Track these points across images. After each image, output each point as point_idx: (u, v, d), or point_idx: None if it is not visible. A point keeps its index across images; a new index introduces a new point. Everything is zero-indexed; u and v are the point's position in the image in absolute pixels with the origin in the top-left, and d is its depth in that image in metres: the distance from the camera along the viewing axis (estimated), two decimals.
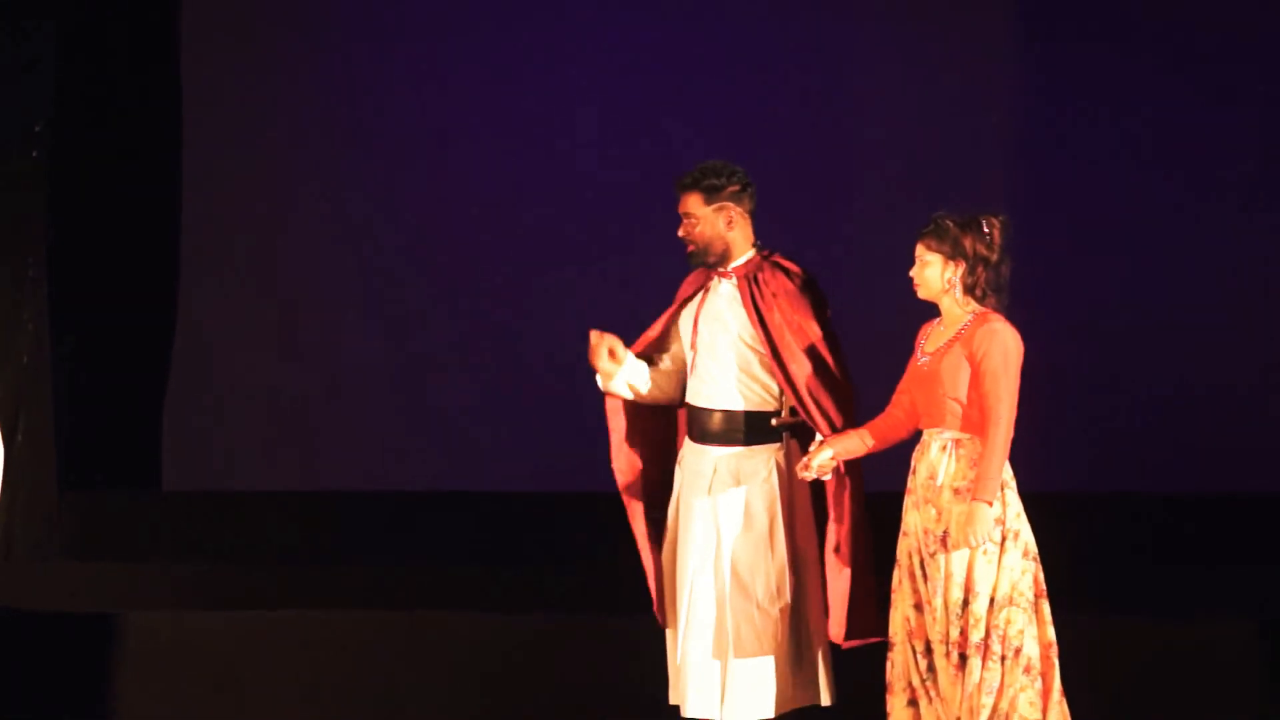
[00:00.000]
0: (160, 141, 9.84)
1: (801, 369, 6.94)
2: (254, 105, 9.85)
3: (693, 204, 7.02)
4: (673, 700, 7.08)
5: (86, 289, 9.63)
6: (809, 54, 9.55)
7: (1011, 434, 6.58)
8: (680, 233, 7.06)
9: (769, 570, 6.94)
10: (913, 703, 6.73)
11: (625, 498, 7.16)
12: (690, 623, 6.98)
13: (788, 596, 6.94)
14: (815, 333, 6.99)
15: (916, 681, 6.70)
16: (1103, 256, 9.41)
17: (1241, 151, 9.35)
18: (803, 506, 7.00)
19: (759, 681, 6.95)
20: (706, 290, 7.09)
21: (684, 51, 9.64)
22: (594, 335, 7.00)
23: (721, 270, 7.05)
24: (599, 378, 7.04)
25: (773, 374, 6.96)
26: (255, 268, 9.86)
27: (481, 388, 9.70)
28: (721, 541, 6.97)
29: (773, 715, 6.94)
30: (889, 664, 6.75)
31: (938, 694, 6.64)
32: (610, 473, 7.19)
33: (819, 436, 6.87)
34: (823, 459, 6.78)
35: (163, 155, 9.84)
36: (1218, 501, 9.09)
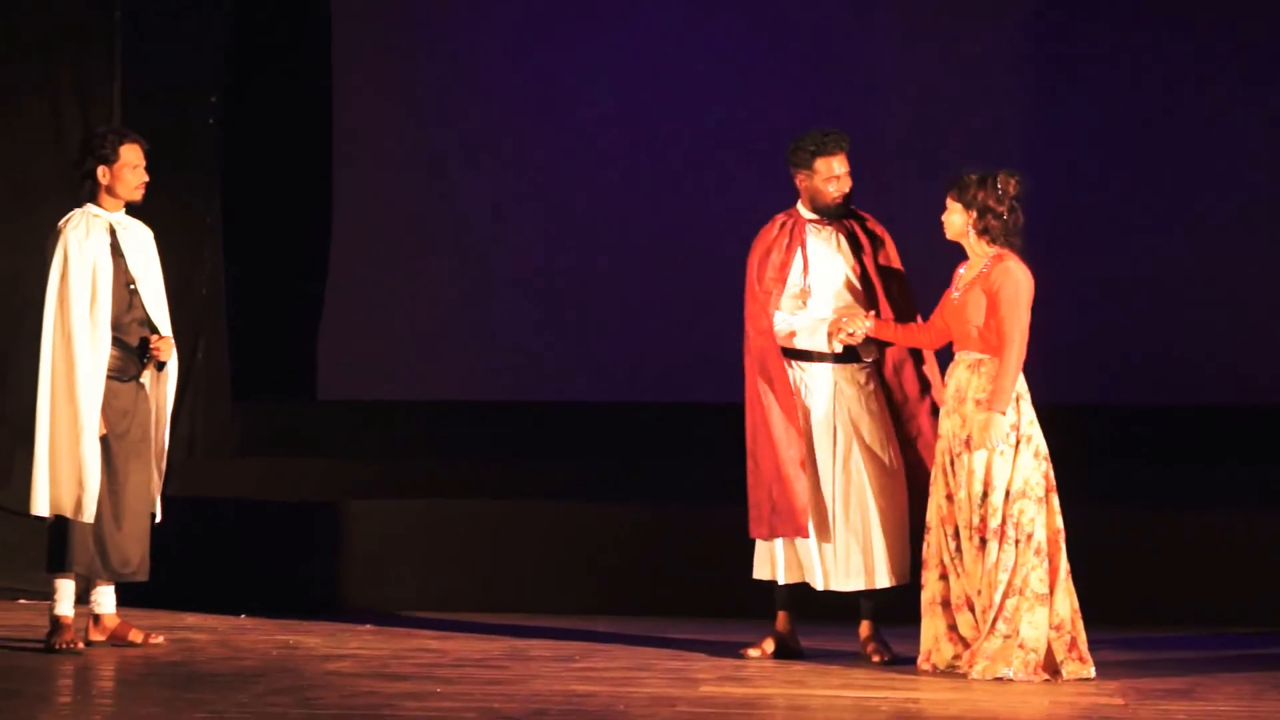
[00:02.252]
0: (315, 105, 10.16)
1: (888, 297, 7.53)
2: (403, 62, 10.15)
3: (847, 163, 7.57)
4: (806, 579, 7.53)
5: (254, 233, 10.00)
6: (855, 37, 9.91)
7: (1023, 355, 7.10)
8: (846, 185, 7.53)
9: (895, 460, 7.54)
10: (943, 577, 7.22)
11: (760, 422, 7.51)
12: (843, 509, 7.47)
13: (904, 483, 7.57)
14: (894, 270, 7.60)
15: (946, 559, 7.19)
16: (1109, 200, 9.68)
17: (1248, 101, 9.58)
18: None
19: (898, 555, 7.54)
20: (803, 237, 7.56)
21: (748, 32, 10.00)
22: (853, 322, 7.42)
23: (816, 220, 7.58)
24: (838, 340, 7.44)
25: (867, 302, 7.53)
26: (401, 207, 10.13)
27: (620, 304, 9.95)
28: (844, 441, 7.50)
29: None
30: (925, 544, 7.25)
31: (963, 570, 7.13)
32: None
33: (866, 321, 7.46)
34: (856, 328, 7.40)
35: (317, 116, 10.15)
36: (1204, 411, 9.38)
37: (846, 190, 7.57)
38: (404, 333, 10.11)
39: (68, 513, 7.59)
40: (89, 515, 7.57)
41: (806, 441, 7.54)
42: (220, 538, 9.14)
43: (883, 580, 7.54)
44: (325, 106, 10.18)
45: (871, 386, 7.58)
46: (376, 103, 10.20)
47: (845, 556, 7.52)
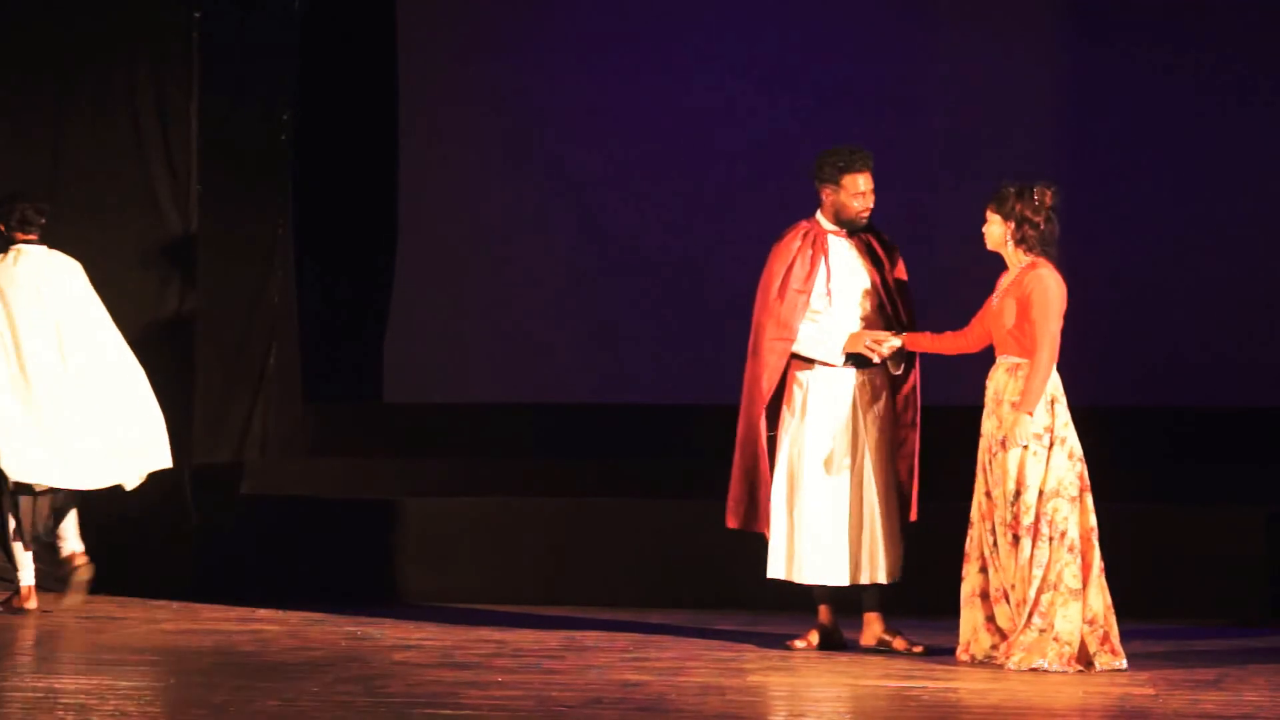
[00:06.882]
0: (381, 118, 10.16)
1: (904, 304, 7.58)
2: (467, 76, 10.11)
3: (872, 180, 7.59)
4: (809, 579, 7.53)
5: (324, 243, 10.00)
6: (901, 46, 9.85)
7: (1054, 359, 7.09)
8: (870, 201, 7.55)
9: (897, 461, 7.56)
10: (983, 570, 7.23)
11: (758, 418, 7.59)
12: (842, 506, 7.47)
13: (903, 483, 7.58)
14: (902, 282, 7.64)
15: (986, 553, 7.20)
16: (1141, 206, 9.59)
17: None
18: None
19: (894, 551, 7.52)
20: (826, 248, 7.57)
21: (794, 43, 9.97)
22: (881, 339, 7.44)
23: (836, 231, 7.59)
24: (873, 356, 7.46)
25: (883, 309, 7.55)
26: (463, 216, 10.09)
27: (679, 309, 9.91)
28: (864, 441, 7.49)
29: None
30: (968, 539, 7.27)
31: (999, 564, 7.13)
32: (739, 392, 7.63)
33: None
34: (894, 343, 7.43)
35: (383, 129, 10.16)
36: (1231, 412, 9.31)
37: (871, 206, 7.58)
38: (465, 338, 10.14)
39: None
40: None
41: (817, 444, 7.50)
42: (292, 534, 9.17)
43: (882, 576, 7.52)
44: (391, 120, 10.21)
45: (885, 393, 7.60)
46: (440, 115, 10.21)
47: (856, 553, 7.50)
